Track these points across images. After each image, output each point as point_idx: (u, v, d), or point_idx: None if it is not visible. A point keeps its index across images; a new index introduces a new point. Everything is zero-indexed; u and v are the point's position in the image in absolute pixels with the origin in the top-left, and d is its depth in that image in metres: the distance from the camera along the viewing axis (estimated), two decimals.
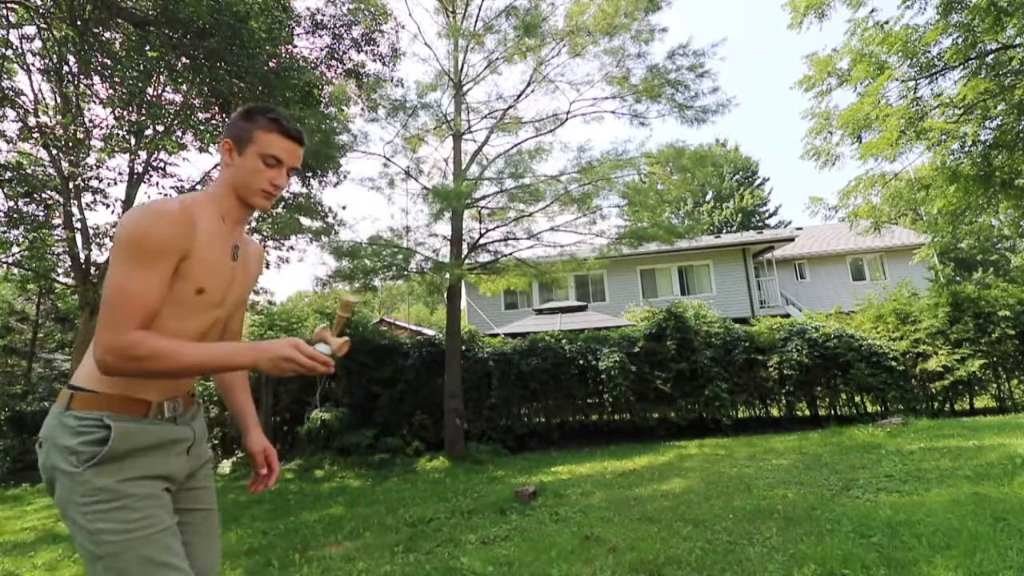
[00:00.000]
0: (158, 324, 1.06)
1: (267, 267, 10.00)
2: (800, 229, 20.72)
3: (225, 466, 7.87)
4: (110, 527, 1.00)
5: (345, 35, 8.51)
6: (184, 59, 6.67)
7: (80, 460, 1.02)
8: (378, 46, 8.73)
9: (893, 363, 7.50)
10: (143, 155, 8.30)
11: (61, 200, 7.56)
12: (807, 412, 8.33)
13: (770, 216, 32.67)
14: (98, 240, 8.51)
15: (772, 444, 6.19)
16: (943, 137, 7.83)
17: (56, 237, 7.85)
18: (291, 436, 8.67)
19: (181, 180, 8.87)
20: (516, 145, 8.45)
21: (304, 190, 9.57)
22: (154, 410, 1.13)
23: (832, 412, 8.14)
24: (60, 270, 8.32)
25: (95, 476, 1.01)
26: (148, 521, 1.04)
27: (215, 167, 9.26)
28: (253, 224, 9.93)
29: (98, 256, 8.41)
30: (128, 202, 8.30)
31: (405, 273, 8.08)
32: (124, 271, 1.02)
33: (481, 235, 8.47)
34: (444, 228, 8.48)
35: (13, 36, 6.91)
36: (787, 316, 12.25)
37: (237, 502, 5.51)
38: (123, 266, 1.02)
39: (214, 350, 1.06)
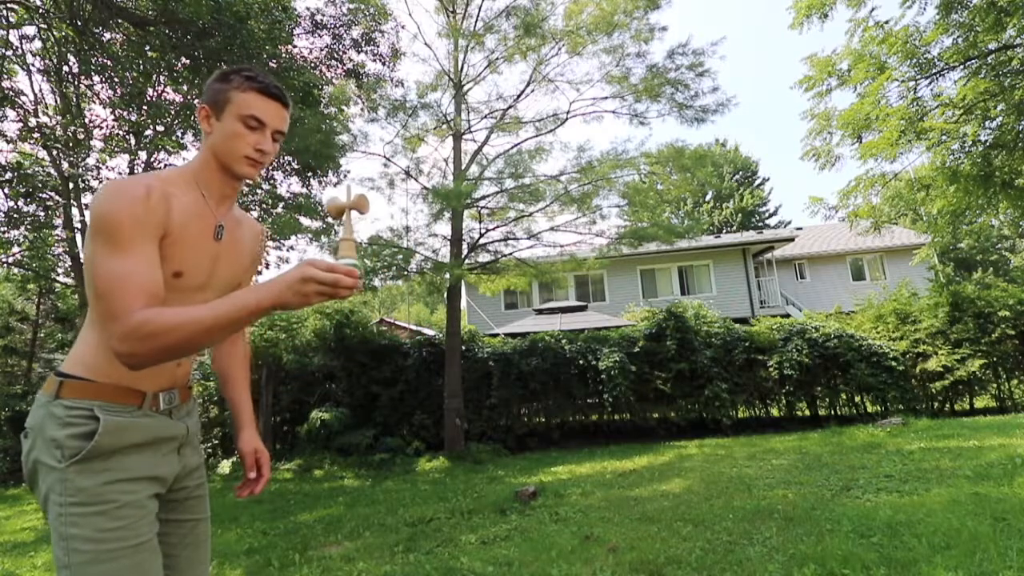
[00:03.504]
0: None
1: (267, 250, 9.97)
2: (800, 229, 20.71)
3: (225, 466, 7.88)
4: (83, 534, 0.93)
5: (345, 35, 8.49)
6: (184, 59, 6.67)
7: (65, 455, 0.95)
8: (378, 46, 8.71)
9: (893, 363, 7.50)
10: (143, 155, 8.29)
11: (61, 200, 7.55)
12: (807, 412, 8.33)
13: (770, 216, 32.66)
14: None
15: (772, 444, 6.19)
16: (943, 137, 7.81)
17: (56, 237, 7.84)
18: (291, 436, 8.68)
19: None
20: (516, 145, 8.46)
21: (304, 190, 9.56)
22: (148, 401, 1.05)
23: (832, 412, 8.14)
24: (60, 270, 8.30)
25: (79, 475, 0.95)
26: (123, 533, 0.96)
27: None
28: None
29: None
30: None
31: (405, 273, 8.09)
32: (104, 259, 0.93)
33: (481, 235, 8.47)
34: (444, 228, 8.49)
35: (13, 36, 6.90)
36: (787, 316, 12.24)
37: (236, 502, 5.50)
38: (102, 254, 0.93)
39: (231, 302, 0.90)
